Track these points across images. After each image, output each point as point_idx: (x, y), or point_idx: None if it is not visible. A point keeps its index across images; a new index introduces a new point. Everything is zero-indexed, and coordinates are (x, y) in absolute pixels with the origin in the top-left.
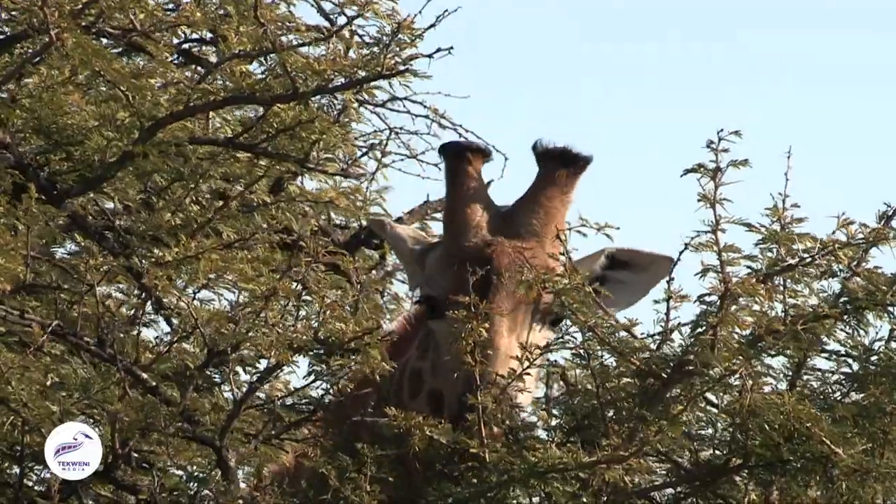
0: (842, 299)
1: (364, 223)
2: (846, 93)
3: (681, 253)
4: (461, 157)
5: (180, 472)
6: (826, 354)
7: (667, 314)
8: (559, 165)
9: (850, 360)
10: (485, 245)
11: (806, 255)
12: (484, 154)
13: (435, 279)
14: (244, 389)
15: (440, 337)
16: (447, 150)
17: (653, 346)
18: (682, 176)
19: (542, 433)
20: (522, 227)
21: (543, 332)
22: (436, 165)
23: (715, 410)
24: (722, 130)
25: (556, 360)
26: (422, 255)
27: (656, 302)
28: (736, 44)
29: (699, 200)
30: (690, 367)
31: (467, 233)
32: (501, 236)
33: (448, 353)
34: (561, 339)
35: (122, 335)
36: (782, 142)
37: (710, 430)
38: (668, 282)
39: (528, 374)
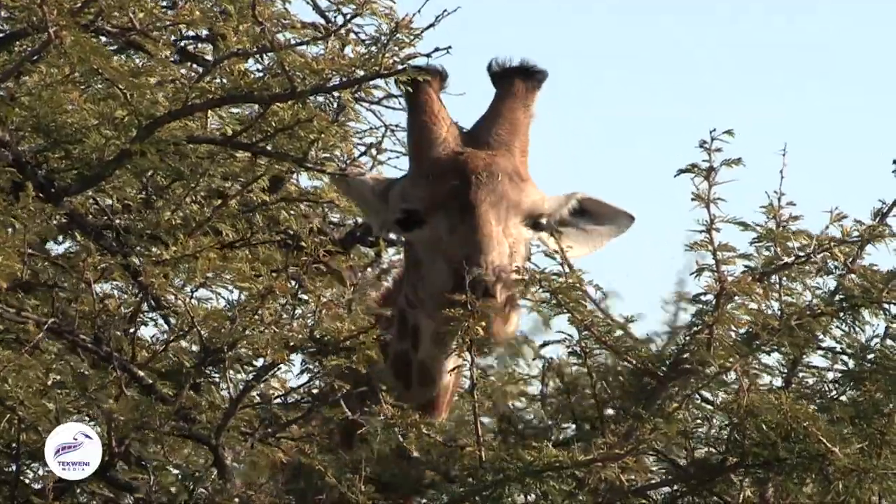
0: (838, 297)
1: (360, 221)
2: (840, 89)
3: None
4: (420, 79)
5: (176, 471)
6: (822, 352)
7: (675, 315)
8: (518, 78)
9: (845, 358)
10: (456, 154)
11: (802, 254)
12: (441, 76)
13: (410, 193)
14: (240, 388)
15: (420, 247)
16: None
17: (656, 347)
18: (675, 176)
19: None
20: (490, 138)
21: (526, 232)
22: None
23: (711, 408)
24: (714, 130)
25: (552, 358)
26: (385, 191)
27: (666, 303)
28: (729, 37)
29: (693, 200)
30: (687, 366)
31: (437, 146)
32: (466, 147)
33: (434, 258)
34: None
35: (118, 333)
36: (777, 139)
37: (707, 429)
38: (677, 283)
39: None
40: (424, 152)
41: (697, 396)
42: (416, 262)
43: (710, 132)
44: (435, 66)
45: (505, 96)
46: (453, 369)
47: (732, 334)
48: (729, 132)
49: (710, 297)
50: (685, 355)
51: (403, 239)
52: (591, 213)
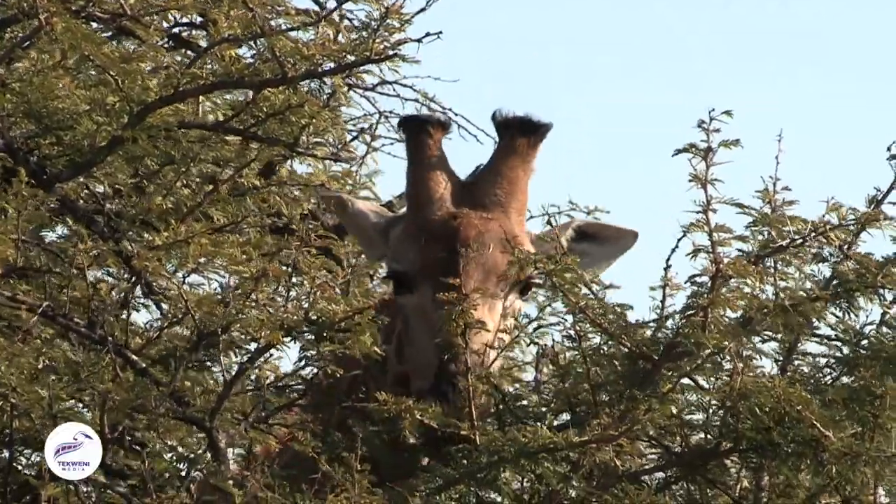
0: (833, 282)
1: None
2: (837, 75)
3: (679, 240)
4: (422, 130)
5: (171, 455)
6: (817, 339)
7: (662, 301)
8: (519, 134)
9: (840, 345)
10: (450, 217)
11: (797, 237)
12: (444, 127)
13: (402, 253)
14: (234, 371)
15: (410, 312)
16: (407, 124)
17: (647, 333)
18: (673, 156)
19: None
20: (486, 198)
21: (515, 303)
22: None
23: (705, 393)
24: (713, 110)
25: (546, 343)
26: (386, 229)
27: (652, 289)
28: (723, 23)
29: (690, 181)
30: (681, 349)
31: (432, 205)
32: (466, 208)
33: (419, 328)
34: (543, 324)
35: (111, 319)
36: (772, 126)
37: (701, 415)
38: (665, 269)
39: (502, 339)
40: (420, 209)
41: (692, 383)
42: (404, 320)
43: (709, 112)
44: (438, 117)
45: (506, 150)
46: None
47: (727, 318)
48: (727, 113)
49: (705, 278)
50: (680, 338)
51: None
52: (592, 237)
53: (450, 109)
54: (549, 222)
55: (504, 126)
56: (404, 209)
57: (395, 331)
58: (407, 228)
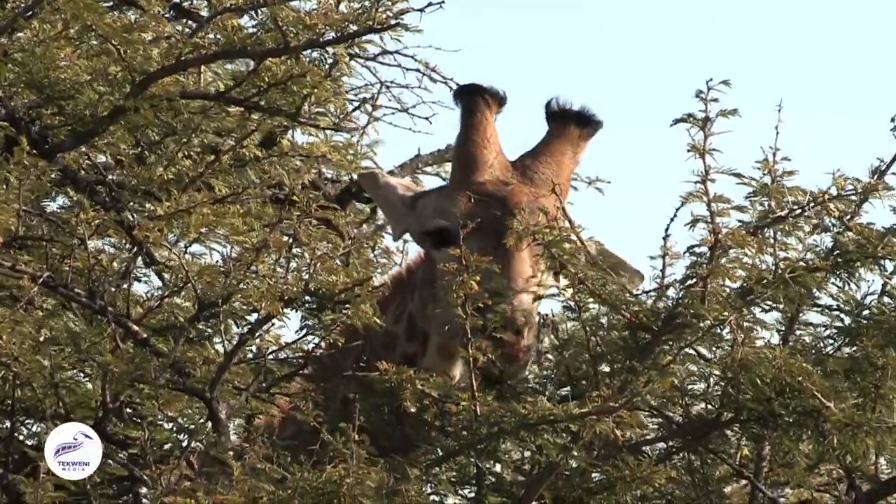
0: (834, 253)
1: (355, 177)
2: (838, 45)
3: (677, 209)
4: (479, 97)
5: (171, 426)
6: (818, 309)
7: (662, 271)
8: (574, 125)
9: (841, 315)
10: (502, 183)
11: (796, 207)
12: (500, 101)
13: (448, 210)
14: (235, 342)
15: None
16: (465, 89)
17: (648, 302)
18: (671, 126)
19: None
20: (536, 175)
21: (549, 280)
22: (427, 119)
23: (706, 364)
24: (711, 80)
25: (546, 314)
26: (414, 200)
27: (651, 258)
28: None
29: (689, 151)
30: (681, 320)
31: (482, 171)
32: (512, 179)
33: (450, 286)
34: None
35: (113, 289)
36: (774, 94)
37: (702, 385)
38: (664, 238)
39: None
40: (469, 173)
41: (693, 352)
42: (431, 278)
43: (707, 82)
44: (498, 91)
45: (557, 137)
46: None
47: (727, 289)
48: (725, 82)
49: (704, 249)
50: (679, 309)
51: (423, 252)
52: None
53: (451, 79)
54: (553, 190)
55: (560, 116)
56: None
57: (406, 311)
58: (451, 187)
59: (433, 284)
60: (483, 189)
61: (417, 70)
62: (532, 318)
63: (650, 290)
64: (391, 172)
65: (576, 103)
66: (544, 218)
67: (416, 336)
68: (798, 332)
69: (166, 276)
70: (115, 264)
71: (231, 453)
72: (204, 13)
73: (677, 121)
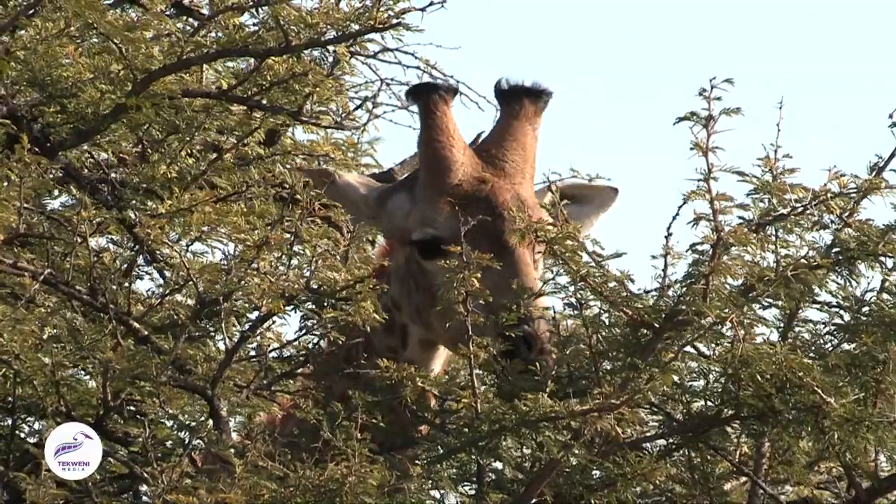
0: (834, 250)
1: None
2: (840, 43)
3: (680, 207)
4: (436, 96)
5: (172, 423)
6: (818, 306)
7: (664, 269)
8: (528, 101)
9: (841, 312)
10: (479, 182)
11: (798, 205)
12: (454, 93)
13: (430, 219)
14: (236, 339)
15: (439, 276)
16: (420, 90)
17: (650, 301)
18: (674, 124)
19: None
20: (507, 164)
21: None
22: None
23: (706, 361)
24: (714, 78)
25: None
26: (381, 199)
27: (653, 257)
28: None
29: (692, 149)
30: (682, 317)
31: (452, 171)
32: (487, 174)
33: (449, 294)
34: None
35: (114, 287)
36: (776, 92)
37: (702, 382)
38: (666, 237)
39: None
40: (442, 176)
41: (694, 350)
42: (426, 286)
43: (710, 80)
44: (450, 84)
45: (514, 118)
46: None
47: (728, 286)
48: (728, 81)
49: (706, 246)
50: (681, 306)
51: (387, 243)
52: (571, 198)
53: (451, 77)
54: (550, 188)
55: (512, 94)
56: (401, 178)
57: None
58: (427, 194)
59: (427, 290)
60: (461, 191)
61: (418, 67)
62: (547, 314)
63: (651, 290)
64: (390, 170)
65: (523, 80)
66: (537, 212)
67: (395, 332)
68: (797, 329)
69: (168, 273)
70: (116, 262)
71: (232, 451)
72: (205, 11)
73: (680, 119)
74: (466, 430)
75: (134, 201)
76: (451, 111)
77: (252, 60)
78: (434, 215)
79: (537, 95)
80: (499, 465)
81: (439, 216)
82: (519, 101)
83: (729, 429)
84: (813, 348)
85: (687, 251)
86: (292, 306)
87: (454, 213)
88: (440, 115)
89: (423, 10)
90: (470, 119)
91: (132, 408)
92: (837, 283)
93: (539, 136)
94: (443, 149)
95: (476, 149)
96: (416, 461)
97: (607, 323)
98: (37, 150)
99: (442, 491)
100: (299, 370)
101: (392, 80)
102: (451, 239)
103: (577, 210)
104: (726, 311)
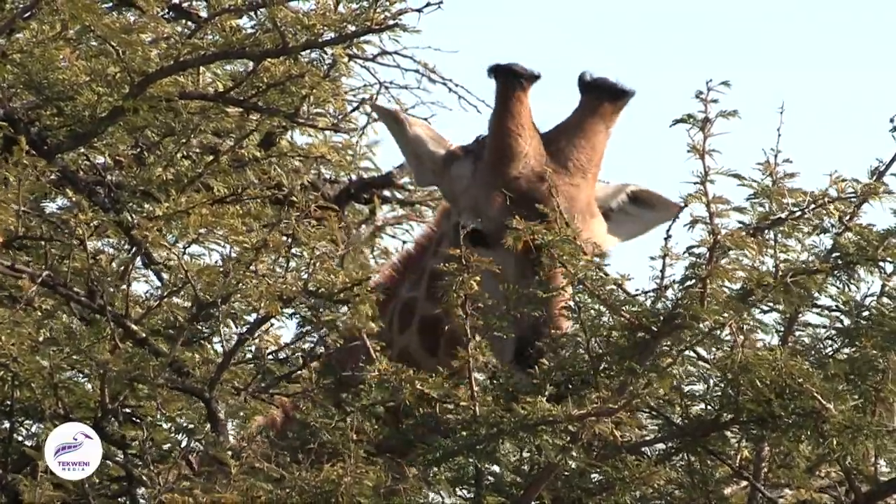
0: (833, 255)
1: (353, 178)
2: (839, 49)
3: (679, 211)
4: (516, 82)
5: (170, 426)
6: (817, 310)
7: (662, 271)
8: (607, 99)
9: (841, 316)
10: (537, 179)
11: (797, 210)
12: (535, 79)
13: (481, 209)
14: (233, 342)
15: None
16: (501, 71)
17: (647, 303)
18: (670, 126)
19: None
20: (570, 161)
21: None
22: (426, 119)
23: (706, 365)
24: (710, 81)
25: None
26: (447, 162)
27: (652, 259)
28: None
29: (689, 152)
30: (680, 321)
31: (516, 161)
32: (549, 168)
33: (492, 288)
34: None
35: (112, 289)
36: (775, 97)
37: (702, 386)
38: (665, 239)
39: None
40: (504, 165)
41: (692, 354)
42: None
43: (707, 83)
44: (534, 72)
45: (589, 113)
46: None
47: (726, 290)
48: (725, 83)
49: (703, 250)
50: (678, 310)
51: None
52: (642, 202)
53: (450, 80)
54: (623, 191)
55: (592, 89)
56: (468, 143)
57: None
58: (485, 179)
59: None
60: (517, 186)
61: (416, 71)
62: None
63: (649, 291)
64: (389, 174)
65: (610, 76)
66: (581, 218)
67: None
68: (797, 334)
69: (165, 276)
70: (114, 264)
71: (230, 453)
72: (202, 14)
73: (677, 121)
74: (464, 432)
75: (131, 204)
76: (528, 99)
77: (249, 63)
78: (484, 206)
79: (619, 94)
80: (497, 468)
81: (489, 209)
82: (599, 97)
83: (728, 433)
84: (812, 353)
85: (684, 254)
86: (289, 310)
87: (503, 210)
88: (516, 101)
89: (419, 10)
90: (468, 121)
91: (129, 410)
92: (837, 288)
93: (611, 133)
94: (510, 138)
95: (547, 137)
96: (414, 463)
97: (605, 326)
98: (34, 152)
99: (437, 494)
100: (301, 371)
101: (391, 83)
102: (492, 235)
103: (644, 214)
104: (724, 315)
